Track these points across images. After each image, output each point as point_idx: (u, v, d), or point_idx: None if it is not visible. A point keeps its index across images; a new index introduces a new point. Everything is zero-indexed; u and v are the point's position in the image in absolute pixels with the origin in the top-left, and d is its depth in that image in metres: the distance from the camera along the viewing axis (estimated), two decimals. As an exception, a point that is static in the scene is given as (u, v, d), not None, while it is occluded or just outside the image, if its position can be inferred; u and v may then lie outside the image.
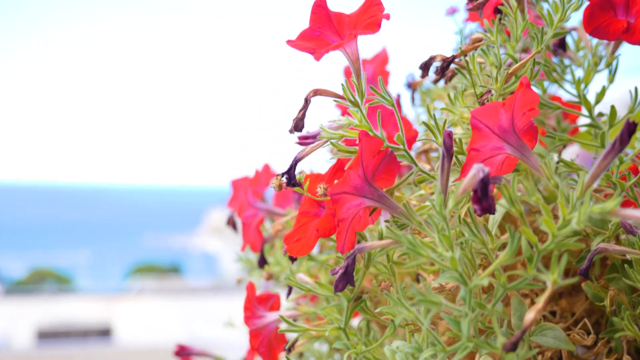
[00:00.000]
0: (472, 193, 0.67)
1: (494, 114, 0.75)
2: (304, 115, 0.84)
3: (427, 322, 0.69)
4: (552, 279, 0.63)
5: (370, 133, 0.78)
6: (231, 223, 1.33)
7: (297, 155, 0.84)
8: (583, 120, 1.06)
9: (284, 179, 0.83)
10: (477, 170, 0.68)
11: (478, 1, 0.87)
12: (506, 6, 0.88)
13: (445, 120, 0.83)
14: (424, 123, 0.82)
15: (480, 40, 0.93)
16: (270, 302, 1.02)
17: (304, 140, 0.86)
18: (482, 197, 0.66)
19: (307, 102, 0.84)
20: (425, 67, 0.90)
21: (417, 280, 0.99)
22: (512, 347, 0.63)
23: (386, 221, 0.81)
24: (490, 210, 0.66)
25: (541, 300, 0.63)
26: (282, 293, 1.41)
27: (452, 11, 1.16)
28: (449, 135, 0.74)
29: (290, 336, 1.06)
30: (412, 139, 0.97)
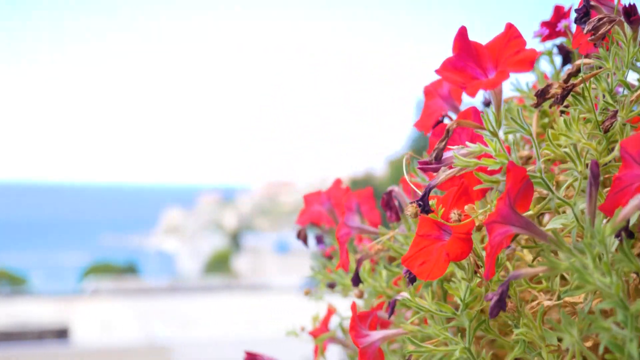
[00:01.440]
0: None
1: (637, 144, 0.78)
2: (445, 146, 0.85)
3: (601, 348, 0.71)
4: None
5: (517, 163, 0.80)
6: (302, 237, 1.32)
7: (431, 183, 0.86)
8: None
9: (418, 206, 0.85)
10: (640, 201, 0.70)
11: (599, 32, 0.90)
12: (621, 34, 0.91)
13: (588, 150, 0.85)
14: (567, 154, 0.85)
15: (580, 67, 0.96)
16: (369, 319, 1.03)
17: (426, 166, 0.88)
18: (650, 225, 0.69)
19: (448, 133, 0.85)
20: (542, 94, 0.92)
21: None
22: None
23: (524, 247, 0.83)
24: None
25: None
26: (340, 303, 1.42)
27: (540, 34, 1.19)
28: (596, 164, 0.76)
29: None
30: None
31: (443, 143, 0.85)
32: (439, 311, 0.92)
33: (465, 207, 0.84)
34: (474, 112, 0.97)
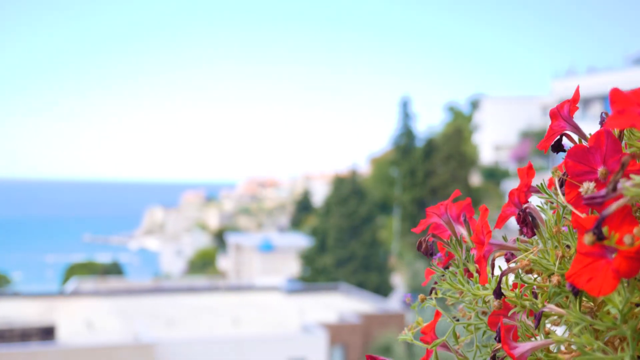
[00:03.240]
0: None
1: None
2: (620, 177, 0.89)
3: None
4: None
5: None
6: (424, 249, 1.33)
7: (603, 213, 0.89)
8: None
9: (594, 234, 0.89)
10: None
11: None
12: None
13: None
14: None
15: None
16: (512, 331, 1.06)
17: (591, 201, 0.91)
18: None
19: (623, 166, 0.89)
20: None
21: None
22: None
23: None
24: None
25: None
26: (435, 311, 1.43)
27: None
28: None
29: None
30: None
31: (619, 175, 0.89)
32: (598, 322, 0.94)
33: (635, 229, 0.87)
34: (605, 134, 1.01)
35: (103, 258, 72.28)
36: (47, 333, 27.01)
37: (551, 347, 1.08)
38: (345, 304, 38.28)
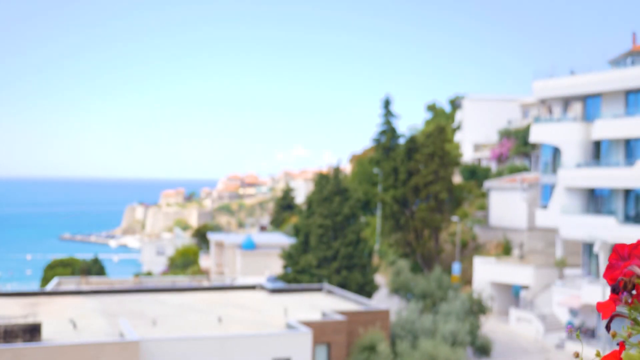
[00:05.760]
0: None
1: None
2: None
3: None
4: None
5: None
6: (629, 288, 1.40)
7: None
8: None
9: None
10: None
11: None
12: None
13: None
14: None
15: None
16: None
17: None
18: None
19: None
20: None
21: None
22: None
23: None
24: None
25: None
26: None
27: None
28: None
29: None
30: None
31: None
32: None
33: None
34: None
35: (83, 256, 71.52)
36: (32, 331, 26.84)
37: None
38: (329, 303, 38.31)
